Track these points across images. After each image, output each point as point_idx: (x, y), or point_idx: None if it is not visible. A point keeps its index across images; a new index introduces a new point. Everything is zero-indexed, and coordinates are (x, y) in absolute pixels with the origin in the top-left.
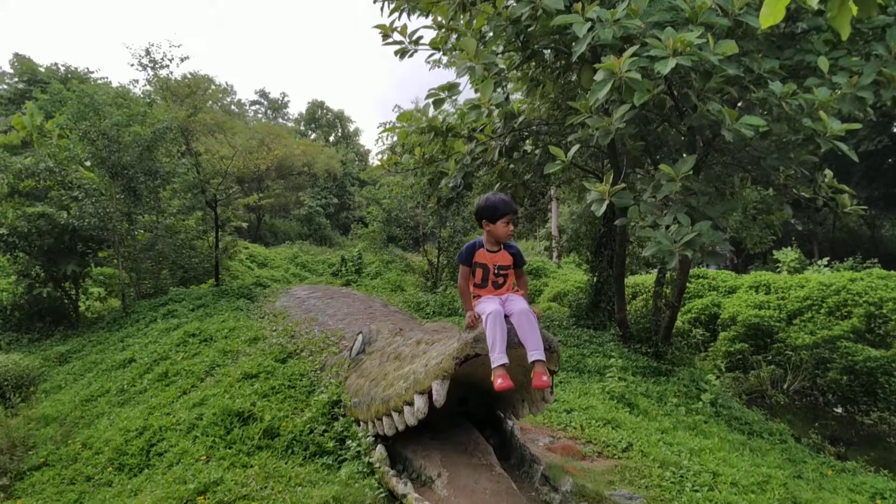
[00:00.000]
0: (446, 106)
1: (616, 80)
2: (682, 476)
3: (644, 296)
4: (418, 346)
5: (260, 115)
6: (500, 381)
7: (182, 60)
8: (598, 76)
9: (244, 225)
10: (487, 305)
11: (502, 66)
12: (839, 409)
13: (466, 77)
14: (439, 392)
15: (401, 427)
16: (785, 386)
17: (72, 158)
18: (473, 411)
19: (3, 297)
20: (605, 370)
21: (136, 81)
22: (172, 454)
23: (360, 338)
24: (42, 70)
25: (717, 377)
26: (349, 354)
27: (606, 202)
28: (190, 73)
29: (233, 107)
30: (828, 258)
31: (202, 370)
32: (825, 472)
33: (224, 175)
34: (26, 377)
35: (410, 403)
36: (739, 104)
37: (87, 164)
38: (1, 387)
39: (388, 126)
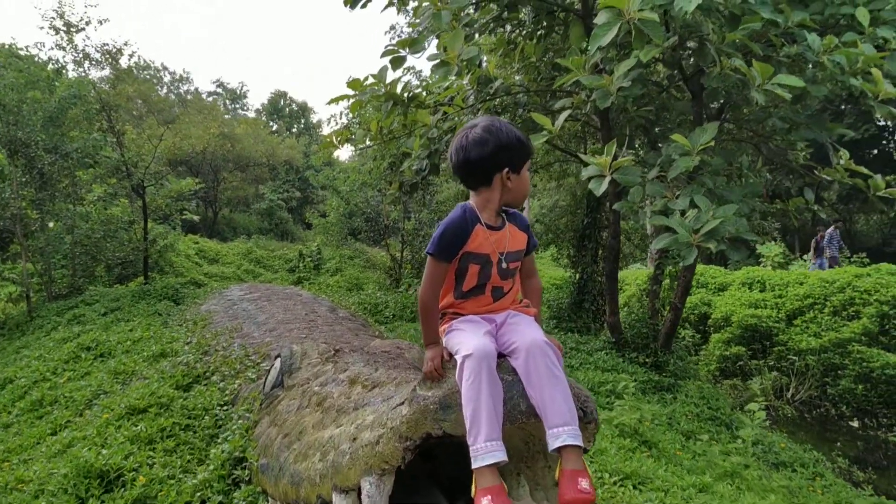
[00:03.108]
0: (410, 78)
1: (624, 25)
2: None
3: (627, 292)
4: (352, 389)
5: (219, 105)
6: (486, 502)
7: (101, 23)
8: (601, 18)
9: (196, 218)
10: (467, 337)
11: (473, 15)
12: (855, 423)
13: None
14: (374, 499)
15: None
16: (790, 395)
17: None
18: (442, 468)
19: None
20: (600, 387)
21: (43, 44)
22: None
23: (277, 364)
24: None
25: (764, 408)
26: (262, 387)
27: (608, 179)
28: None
29: (188, 96)
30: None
31: (84, 398)
32: None
33: (153, 156)
34: None
35: (328, 503)
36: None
37: None
38: None
39: (337, 97)
